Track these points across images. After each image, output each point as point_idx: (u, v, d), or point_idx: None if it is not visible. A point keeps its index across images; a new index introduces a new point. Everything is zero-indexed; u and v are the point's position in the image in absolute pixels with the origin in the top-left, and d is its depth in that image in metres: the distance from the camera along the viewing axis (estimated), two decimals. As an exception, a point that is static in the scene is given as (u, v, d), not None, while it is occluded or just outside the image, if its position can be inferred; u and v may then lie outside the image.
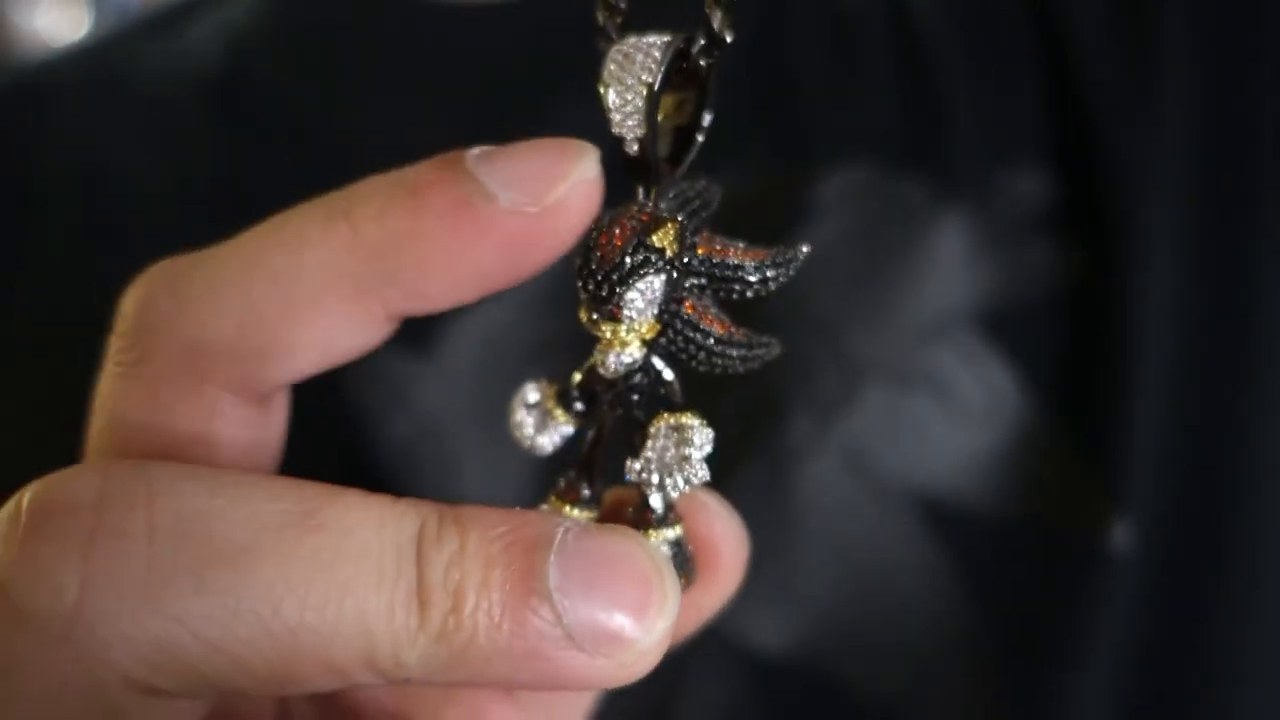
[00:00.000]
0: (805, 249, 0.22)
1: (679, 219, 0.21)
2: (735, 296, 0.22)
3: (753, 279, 0.22)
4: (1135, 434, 0.36)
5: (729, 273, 0.22)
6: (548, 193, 0.20)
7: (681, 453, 0.21)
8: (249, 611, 0.17)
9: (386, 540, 0.18)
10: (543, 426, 0.23)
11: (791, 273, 0.22)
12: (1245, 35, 0.39)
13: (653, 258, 0.20)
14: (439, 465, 0.39)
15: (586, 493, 0.23)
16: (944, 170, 0.39)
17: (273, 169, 0.42)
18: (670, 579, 0.19)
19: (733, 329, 0.22)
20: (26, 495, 0.18)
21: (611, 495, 0.24)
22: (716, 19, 0.21)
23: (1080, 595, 0.36)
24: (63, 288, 0.42)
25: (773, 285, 0.22)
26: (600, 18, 0.22)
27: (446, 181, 0.20)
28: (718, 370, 0.22)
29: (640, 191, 0.22)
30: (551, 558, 0.18)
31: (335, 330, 0.21)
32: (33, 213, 0.44)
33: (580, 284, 0.21)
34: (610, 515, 0.23)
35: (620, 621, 0.19)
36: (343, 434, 0.39)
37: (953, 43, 0.40)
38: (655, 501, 0.22)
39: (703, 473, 0.21)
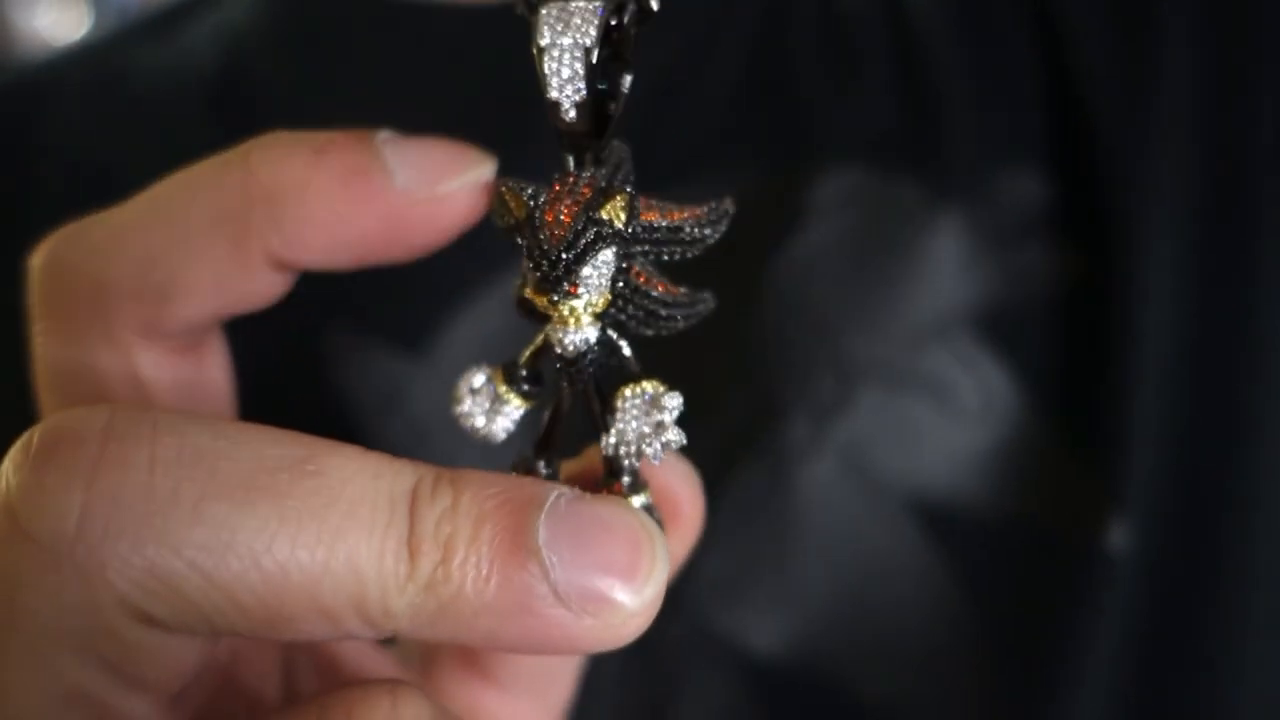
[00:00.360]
0: (730, 201, 0.22)
1: (626, 190, 0.21)
2: (676, 257, 0.22)
3: (692, 238, 0.22)
4: (1133, 434, 0.36)
5: (670, 235, 0.22)
6: (440, 183, 0.22)
7: (655, 419, 0.21)
8: (242, 545, 0.18)
9: (381, 490, 0.19)
10: (494, 412, 0.23)
11: (724, 227, 0.22)
12: (1245, 35, 0.39)
13: (604, 231, 0.20)
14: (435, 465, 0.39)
15: (545, 471, 0.23)
16: (942, 170, 0.39)
17: None
18: (660, 546, 0.20)
19: (674, 290, 0.22)
20: (38, 429, 0.19)
21: (570, 468, 0.24)
22: None
23: (1078, 595, 0.36)
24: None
25: (709, 242, 0.22)
26: None
27: (350, 147, 0.21)
28: (664, 333, 0.22)
29: (570, 160, 0.21)
30: (542, 518, 0.19)
31: (224, 270, 0.22)
32: (33, 212, 0.44)
33: (531, 265, 0.21)
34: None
35: (609, 583, 0.19)
36: (340, 434, 0.39)
37: (951, 43, 0.40)
38: (626, 470, 0.22)
39: (679, 437, 0.21)
